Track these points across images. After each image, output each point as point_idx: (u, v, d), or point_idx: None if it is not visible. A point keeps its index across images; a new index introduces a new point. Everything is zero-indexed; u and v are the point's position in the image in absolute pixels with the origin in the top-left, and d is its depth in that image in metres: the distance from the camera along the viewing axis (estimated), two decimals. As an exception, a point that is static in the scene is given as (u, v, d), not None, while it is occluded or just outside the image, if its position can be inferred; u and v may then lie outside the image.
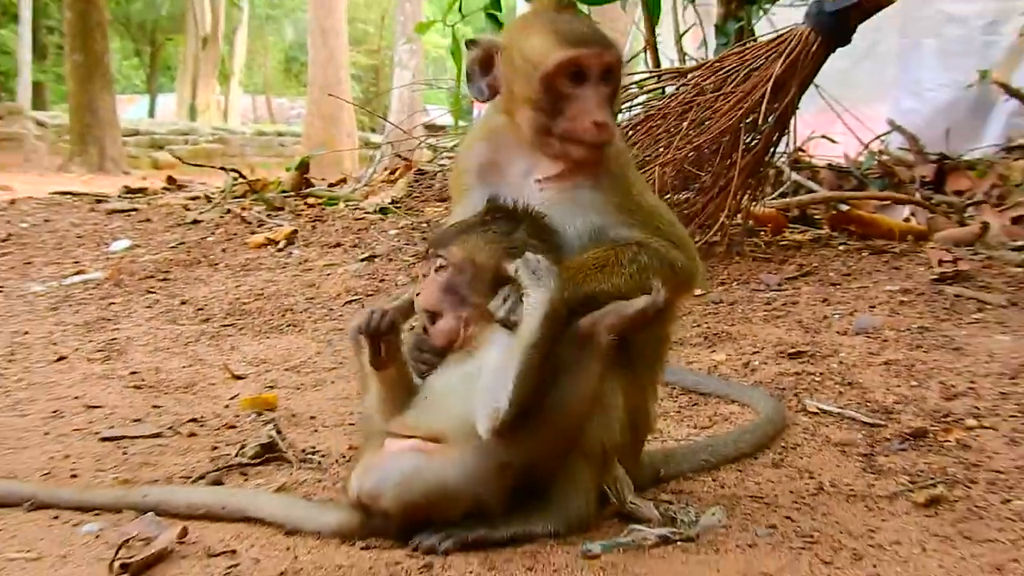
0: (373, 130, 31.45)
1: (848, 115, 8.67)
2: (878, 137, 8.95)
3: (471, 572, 2.44)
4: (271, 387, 4.12)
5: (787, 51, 5.79)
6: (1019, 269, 5.28)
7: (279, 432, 3.40)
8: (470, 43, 2.94)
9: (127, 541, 2.57)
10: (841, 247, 5.79)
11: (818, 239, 5.92)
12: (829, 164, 8.64)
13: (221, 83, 43.50)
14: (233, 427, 3.64)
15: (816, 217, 6.42)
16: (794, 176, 7.12)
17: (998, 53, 11.60)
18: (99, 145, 22.08)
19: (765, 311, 4.79)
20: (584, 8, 6.96)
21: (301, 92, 34.57)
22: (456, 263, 2.76)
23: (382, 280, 5.49)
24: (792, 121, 6.21)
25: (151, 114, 43.36)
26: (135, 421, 3.71)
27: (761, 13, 7.62)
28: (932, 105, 11.39)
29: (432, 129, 11.59)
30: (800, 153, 8.48)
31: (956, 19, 12.16)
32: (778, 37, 6.02)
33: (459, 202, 3.05)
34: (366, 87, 43.87)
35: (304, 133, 28.39)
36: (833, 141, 8.75)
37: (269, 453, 3.28)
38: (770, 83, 5.70)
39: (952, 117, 10.79)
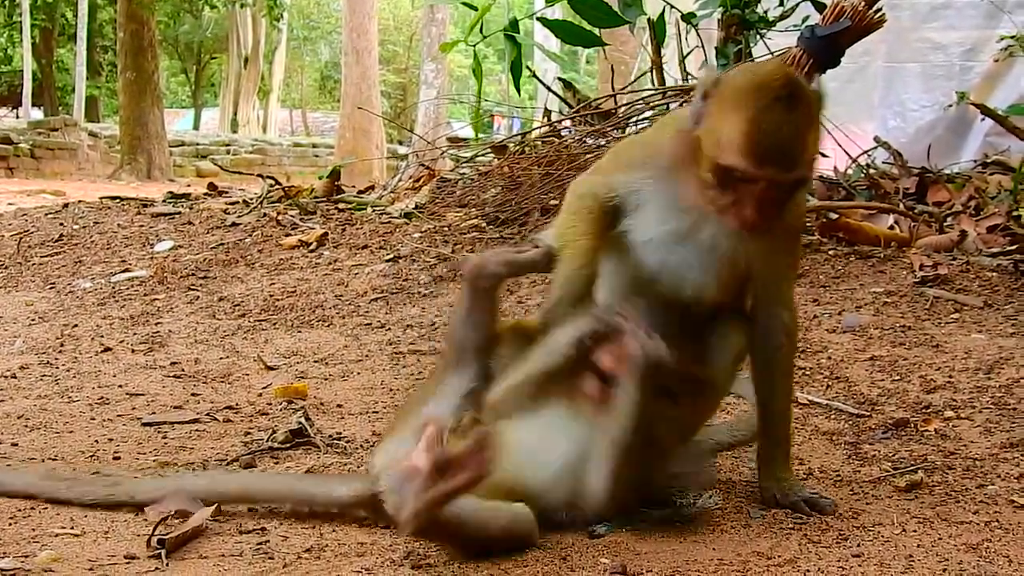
0: (400, 143, 31.55)
1: (838, 132, 8.63)
2: (865, 152, 8.91)
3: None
4: (302, 377, 4.11)
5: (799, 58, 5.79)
6: (993, 273, 5.25)
7: (308, 419, 3.39)
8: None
9: (165, 519, 2.56)
10: (830, 252, 5.77)
11: (809, 245, 5.89)
12: (820, 176, 8.59)
13: (260, 98, 43.79)
14: (265, 414, 3.63)
15: (808, 225, 6.38)
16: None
17: (976, 77, 11.61)
18: (147, 155, 22.30)
19: None
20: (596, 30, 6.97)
21: (335, 107, 34.68)
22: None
23: (406, 279, 5.48)
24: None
25: (196, 127, 43.60)
26: (175, 408, 3.72)
27: (758, 37, 7.57)
28: (915, 124, 11.41)
29: (454, 141, 11.60)
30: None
31: (938, 46, 12.15)
32: (771, 59, 6.01)
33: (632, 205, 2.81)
34: (394, 103, 44.10)
35: (337, 145, 28.46)
36: (824, 155, 8.70)
37: (298, 438, 3.27)
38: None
39: (933, 135, 10.81)
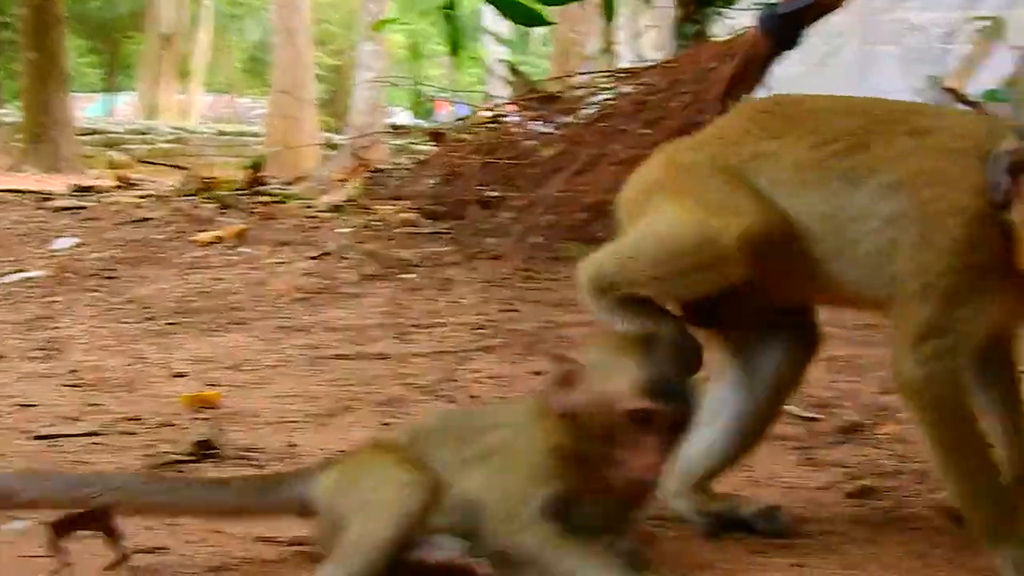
0: (336, 131, 31.22)
1: None
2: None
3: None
4: (213, 385, 4.09)
5: (736, 53, 5.86)
6: None
7: (219, 429, 3.42)
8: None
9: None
10: None
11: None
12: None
13: (182, 82, 43.13)
14: (171, 425, 3.62)
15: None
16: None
17: (955, 61, 11.75)
18: (53, 144, 21.81)
19: None
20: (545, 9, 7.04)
21: (264, 92, 34.26)
22: None
23: (331, 278, 5.50)
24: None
25: (108, 113, 42.94)
26: (71, 419, 3.70)
27: (717, 16, 7.67)
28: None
29: (395, 129, 11.64)
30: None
31: (915, 28, 12.33)
32: (730, 39, 6.10)
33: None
34: (330, 88, 43.68)
35: (266, 133, 28.07)
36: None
37: (205, 451, 3.28)
38: (722, 84, 5.77)
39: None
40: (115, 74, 47.93)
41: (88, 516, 2.45)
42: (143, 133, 31.30)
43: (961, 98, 9.75)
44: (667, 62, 6.36)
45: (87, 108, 40.71)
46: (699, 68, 5.99)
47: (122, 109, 43.44)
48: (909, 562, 2.52)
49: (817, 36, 6.87)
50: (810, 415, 3.62)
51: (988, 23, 10.90)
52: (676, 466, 2.69)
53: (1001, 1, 11.95)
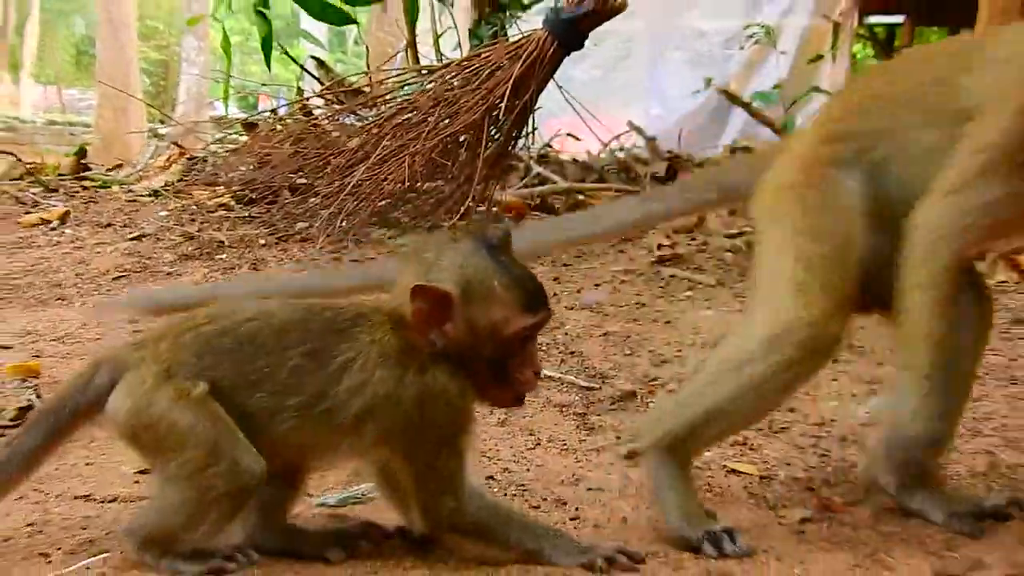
0: (162, 122, 30.73)
1: (606, 118, 8.86)
2: (616, 137, 9.16)
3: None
4: (37, 356, 3.97)
5: (526, 53, 5.90)
6: (728, 253, 5.44)
7: (39, 396, 3.35)
8: None
9: None
10: None
11: (557, 225, 6.01)
12: (574, 159, 8.81)
13: (12, 73, 42.16)
14: (-5, 393, 3.52)
15: (556, 206, 6.53)
16: (539, 169, 7.22)
17: (735, 64, 12.00)
18: None
19: None
20: (350, 9, 6.99)
21: (92, 84, 33.50)
22: None
23: (149, 258, 5.40)
24: (532, 118, 6.35)
25: (-63, 104, 41.68)
26: None
27: (512, 19, 7.70)
28: (678, 111, 11.71)
29: (219, 120, 11.46)
30: (549, 149, 8.66)
31: (701, 33, 12.53)
32: (519, 40, 6.13)
33: None
34: (156, 81, 43.09)
35: (94, 124, 27.59)
36: (577, 139, 8.92)
37: (27, 415, 3.23)
38: (511, 82, 5.81)
39: (695, 122, 11.18)
40: None
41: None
42: None
43: (732, 99, 10.00)
44: (462, 60, 6.37)
45: None
46: (491, 66, 6.02)
47: None
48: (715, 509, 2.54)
49: (611, 40, 7.05)
50: (588, 385, 3.63)
51: (761, 31, 11.15)
52: (894, 458, 2.53)
53: (775, 11, 12.25)
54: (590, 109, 8.03)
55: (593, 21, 5.91)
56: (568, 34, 5.88)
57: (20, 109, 38.05)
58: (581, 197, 6.55)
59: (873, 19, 16.36)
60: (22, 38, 42.85)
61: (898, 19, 16.33)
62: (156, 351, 2.22)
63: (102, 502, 2.62)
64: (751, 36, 11.20)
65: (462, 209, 5.84)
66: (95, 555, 2.25)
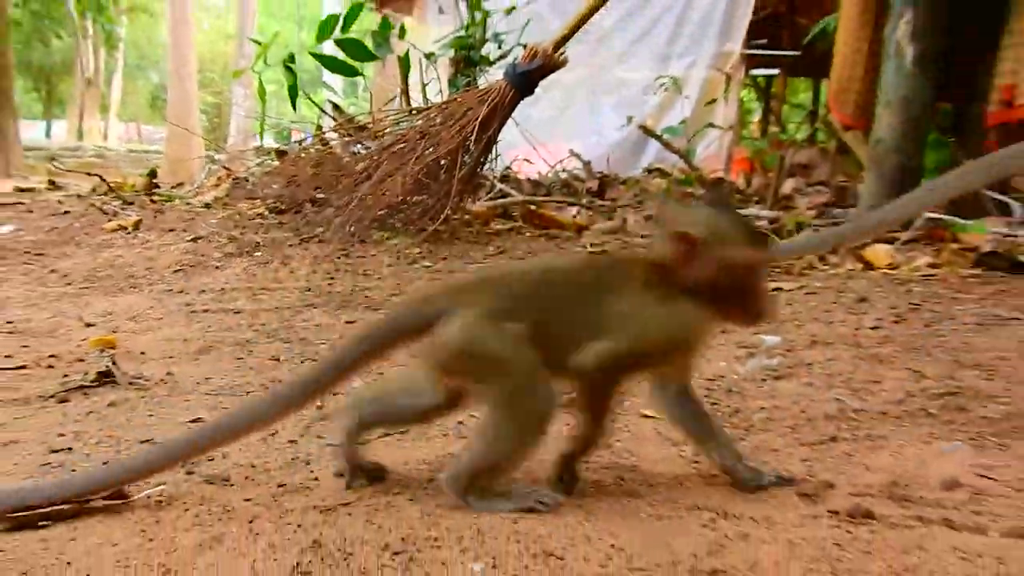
0: (215, 151, 30.92)
1: (555, 147, 8.91)
2: (560, 161, 9.15)
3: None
4: (115, 331, 3.95)
5: (491, 98, 5.88)
6: (642, 249, 5.40)
7: (114, 363, 3.30)
8: None
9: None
10: (528, 235, 5.88)
11: (513, 229, 6.00)
12: (528, 178, 8.79)
13: (101, 113, 42.18)
14: (82, 360, 3.48)
15: (514, 214, 6.50)
16: (501, 186, 7.19)
17: (651, 107, 12.03)
18: (5, 157, 21.44)
19: None
20: (359, 65, 6.93)
21: (163, 122, 33.61)
22: None
23: (202, 255, 5.36)
24: (495, 147, 6.33)
25: (47, 135, 41.60)
26: (7, 357, 3.53)
27: (481, 72, 7.68)
28: (609, 142, 11.73)
29: (258, 150, 11.40)
30: (509, 170, 8.64)
31: (626, 82, 12.54)
32: (485, 88, 6.11)
33: None
34: (211, 118, 43.34)
35: (164, 152, 28.09)
36: (530, 163, 8.90)
37: (105, 378, 3.17)
38: (479, 120, 5.79)
39: (621, 150, 11.17)
40: (52, 105, 46.39)
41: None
42: (73, 150, 30.59)
43: (647, 132, 9.99)
44: (442, 104, 6.33)
45: (31, 131, 39.81)
46: (464, 108, 5.99)
47: (57, 132, 42.24)
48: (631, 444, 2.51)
49: (559, 87, 7.03)
50: None
51: (670, 81, 11.21)
52: None
53: (682, 64, 12.28)
54: (544, 140, 8.05)
55: (542, 73, 5.90)
56: (523, 84, 5.86)
57: (108, 141, 38.12)
58: (533, 207, 6.50)
59: (756, 72, 16.48)
60: (110, 87, 43.01)
61: (775, 71, 16.47)
62: (478, 296, 2.17)
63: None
64: (662, 85, 11.21)
65: (442, 216, 5.80)
66: (155, 486, 2.22)
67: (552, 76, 6.18)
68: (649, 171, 10.25)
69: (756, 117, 19.81)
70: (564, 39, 5.95)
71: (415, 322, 2.21)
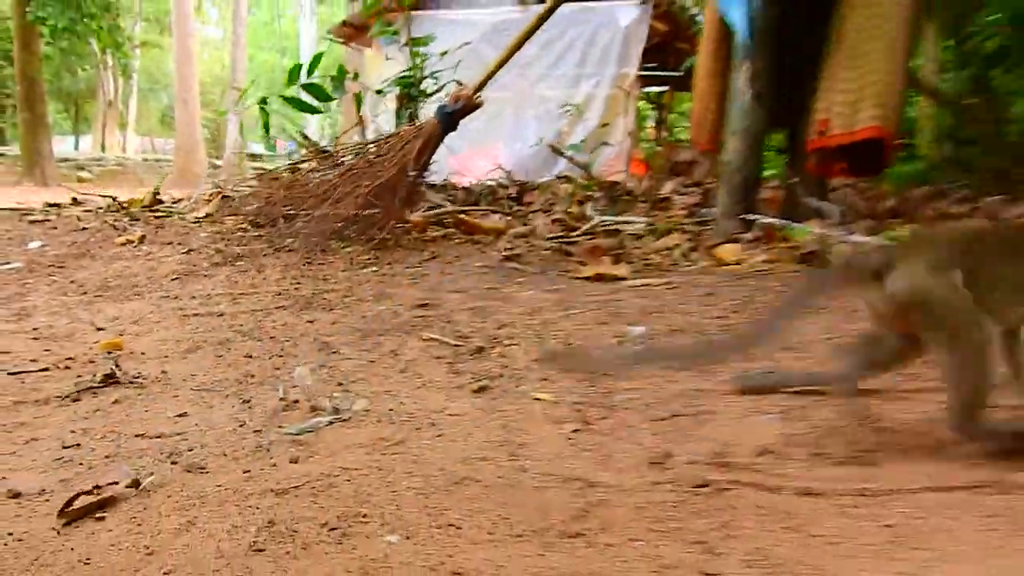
0: (217, 159, 30.73)
1: (490, 153, 9.01)
2: (486, 173, 9.17)
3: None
4: (121, 334, 3.91)
5: (424, 133, 5.89)
6: (548, 252, 5.44)
7: (118, 365, 3.29)
8: None
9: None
10: (456, 240, 5.87)
11: (446, 235, 6.00)
12: (462, 187, 8.78)
13: (121, 128, 41.83)
14: (93, 362, 3.45)
15: (447, 222, 6.50)
16: (437, 198, 7.19)
17: (566, 123, 12.13)
18: (41, 168, 21.30)
19: (410, 280, 4.81)
20: (315, 102, 6.87)
21: (173, 135, 33.17)
22: None
23: (194, 265, 5.30)
24: (429, 167, 6.34)
25: (76, 147, 41.02)
26: (32, 360, 3.49)
27: (422, 104, 7.68)
28: (530, 153, 11.76)
29: (251, 156, 11.20)
30: (447, 181, 8.64)
31: (545, 99, 12.60)
32: (420, 125, 6.13)
33: None
34: (212, 131, 43.16)
35: (174, 160, 28.13)
36: (463, 175, 8.92)
37: (111, 379, 3.16)
38: (415, 151, 5.81)
39: (540, 159, 11.18)
40: (79, 123, 45.66)
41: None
42: (97, 160, 30.25)
43: (554, 150, 10.02)
44: (388, 137, 6.33)
45: (62, 144, 39.57)
46: (404, 140, 6.00)
47: (84, 145, 41.65)
48: (501, 430, 2.57)
49: (493, 104, 7.04)
50: (456, 343, 3.61)
51: (574, 108, 11.35)
52: None
53: (589, 84, 12.40)
54: (481, 148, 8.08)
55: (463, 113, 5.92)
56: (447, 121, 5.89)
57: (126, 152, 37.77)
58: (461, 216, 6.51)
59: (649, 89, 16.74)
60: (127, 107, 42.91)
61: (664, 88, 16.79)
62: (918, 251, 2.11)
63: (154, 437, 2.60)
64: (567, 110, 11.29)
65: (387, 228, 5.81)
66: (147, 476, 2.24)
67: (487, 94, 6.22)
68: (559, 178, 10.29)
69: (651, 124, 20.02)
70: (482, 84, 5.98)
71: (865, 270, 2.12)
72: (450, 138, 6.24)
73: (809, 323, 3.52)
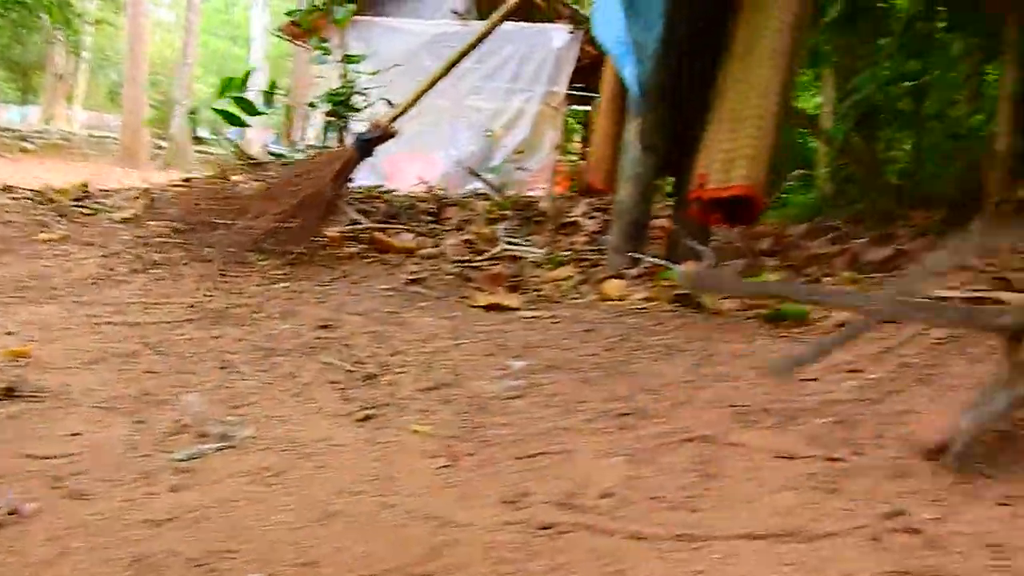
0: (163, 138, 30.07)
1: (427, 159, 9.04)
2: (414, 184, 9.17)
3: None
4: (32, 340, 3.79)
5: (343, 156, 5.90)
6: (451, 276, 5.44)
7: (18, 377, 3.21)
8: None
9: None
10: (368, 259, 5.83)
11: (360, 253, 5.96)
12: (385, 201, 8.72)
13: (68, 102, 40.35)
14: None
15: (363, 237, 6.47)
16: (354, 214, 7.16)
17: (493, 135, 12.31)
18: None
19: (317, 299, 4.77)
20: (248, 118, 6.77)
21: (120, 111, 32.15)
22: None
23: (111, 270, 5.17)
24: (348, 187, 6.33)
25: (22, 119, 39.37)
26: (-61, 367, 3.38)
27: (351, 119, 7.66)
28: (461, 162, 11.85)
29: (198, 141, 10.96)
30: (372, 189, 8.61)
31: (480, 111, 12.76)
32: (341, 149, 6.16)
33: None
34: (161, 112, 42.47)
35: (120, 139, 27.56)
36: (394, 179, 8.88)
37: (11, 392, 3.08)
38: (335, 173, 5.80)
39: (461, 175, 11.26)
40: (27, 94, 43.98)
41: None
42: (41, 132, 29.18)
43: (474, 173, 10.06)
44: (311, 157, 6.32)
45: (6, 113, 38.31)
46: (325, 162, 5.99)
47: (31, 116, 40.14)
48: (375, 463, 2.59)
49: (431, 113, 7.10)
50: (351, 368, 3.60)
51: (491, 135, 11.52)
52: None
53: (521, 99, 12.60)
54: (416, 153, 8.08)
55: (379, 141, 5.94)
56: (364, 148, 5.91)
57: (73, 127, 36.56)
58: (376, 233, 6.46)
59: (576, 107, 17.16)
60: (76, 81, 41.74)
61: (590, 108, 17.20)
62: None
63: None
64: (489, 134, 11.42)
65: (305, 241, 5.78)
66: (28, 502, 2.22)
67: (425, 102, 6.22)
68: (478, 194, 10.33)
69: (579, 139, 20.33)
70: (399, 114, 6.00)
71: None
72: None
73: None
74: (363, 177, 8.08)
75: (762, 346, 3.94)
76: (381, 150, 6.09)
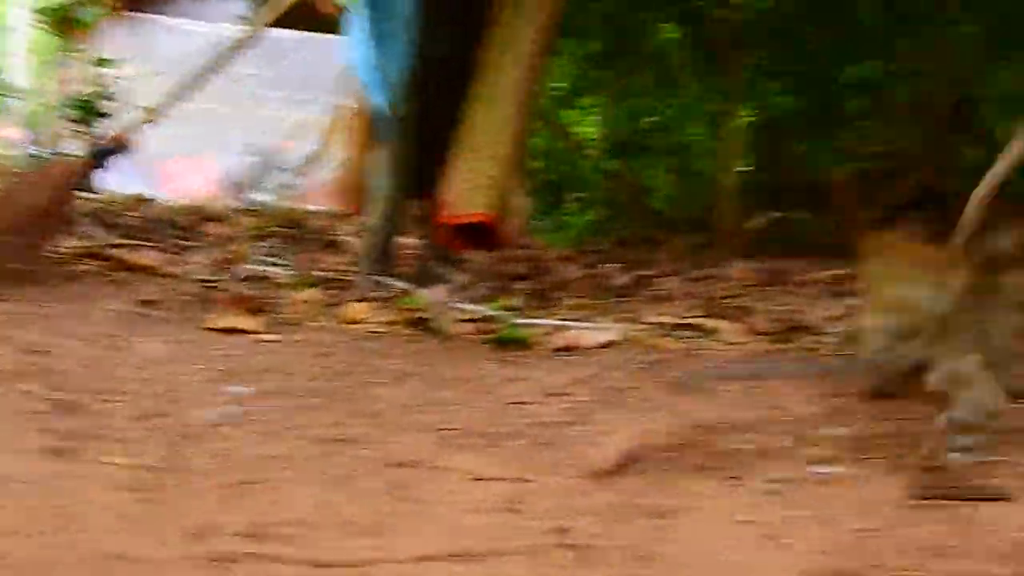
0: None
1: (202, 160, 8.68)
2: (182, 197, 8.82)
3: None
4: None
5: (75, 166, 5.64)
6: (192, 297, 5.22)
7: None
8: None
9: None
10: (105, 278, 5.42)
11: (94, 272, 5.56)
12: (142, 214, 8.27)
13: None
14: None
15: (103, 255, 6.05)
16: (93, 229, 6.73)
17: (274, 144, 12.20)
18: None
19: (33, 321, 4.37)
20: None
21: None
22: None
23: None
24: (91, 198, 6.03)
25: None
26: None
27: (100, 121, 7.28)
28: (236, 171, 11.62)
29: None
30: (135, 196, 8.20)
31: (261, 119, 12.61)
32: (72, 157, 5.92)
33: None
34: None
35: None
36: (167, 184, 8.47)
37: None
38: (64, 183, 5.51)
39: (243, 180, 11.03)
40: None
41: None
42: None
43: (239, 187, 9.80)
44: (43, 165, 5.99)
45: None
46: (56, 172, 5.69)
47: None
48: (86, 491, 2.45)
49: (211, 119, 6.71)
50: (52, 397, 3.36)
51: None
52: None
53: (305, 108, 12.51)
54: (190, 157, 7.70)
55: (113, 153, 5.72)
56: (100, 159, 5.69)
57: None
58: (115, 250, 6.12)
59: None
60: None
61: None
62: None
63: None
64: (272, 144, 11.27)
65: (33, 257, 5.38)
66: None
67: (203, 104, 6.00)
68: (250, 209, 10.07)
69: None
70: (140, 124, 5.79)
71: None
72: (160, 142, 5.95)
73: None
74: (129, 184, 7.71)
75: (487, 371, 4.16)
76: (156, 155, 5.88)
